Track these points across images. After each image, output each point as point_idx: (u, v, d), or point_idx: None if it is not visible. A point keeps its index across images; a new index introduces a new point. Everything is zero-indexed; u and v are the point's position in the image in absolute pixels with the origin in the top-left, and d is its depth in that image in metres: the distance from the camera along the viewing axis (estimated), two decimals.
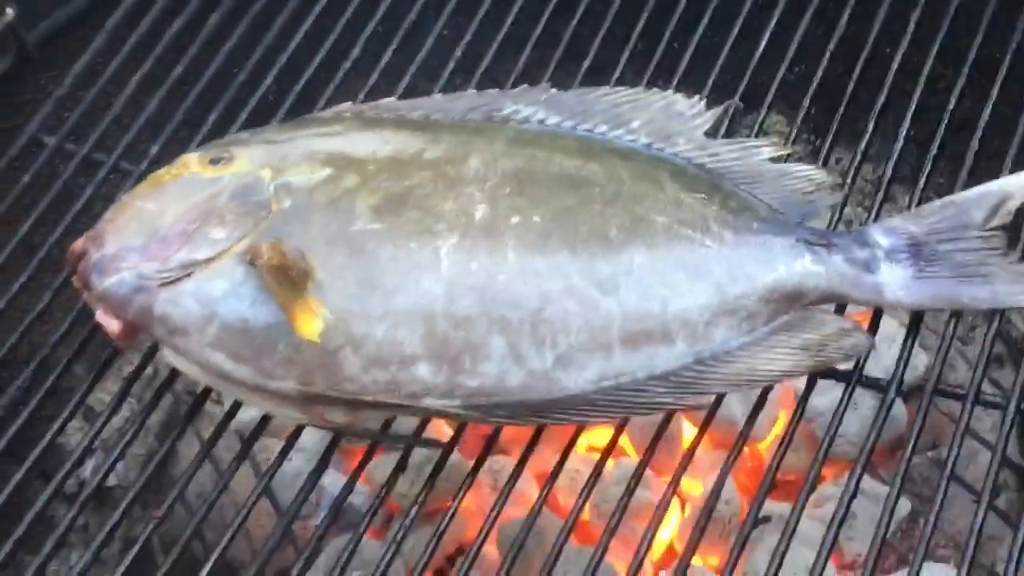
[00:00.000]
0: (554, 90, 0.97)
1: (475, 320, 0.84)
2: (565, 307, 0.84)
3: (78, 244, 0.90)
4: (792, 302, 0.87)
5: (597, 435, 1.12)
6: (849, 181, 0.99)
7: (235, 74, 1.12)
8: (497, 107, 0.96)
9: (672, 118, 0.95)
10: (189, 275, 0.86)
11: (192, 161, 0.92)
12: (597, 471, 0.89)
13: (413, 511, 0.89)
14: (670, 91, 0.97)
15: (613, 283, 0.85)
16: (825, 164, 0.98)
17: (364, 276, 0.85)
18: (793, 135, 1.03)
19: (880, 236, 0.88)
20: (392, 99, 1.00)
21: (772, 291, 0.86)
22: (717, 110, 0.96)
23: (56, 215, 1.05)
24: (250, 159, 0.91)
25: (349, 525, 1.07)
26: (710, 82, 1.06)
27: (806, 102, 1.05)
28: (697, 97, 0.96)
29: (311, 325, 0.82)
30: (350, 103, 1.00)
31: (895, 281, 0.87)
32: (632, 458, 1.16)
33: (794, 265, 0.87)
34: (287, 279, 0.84)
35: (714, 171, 0.92)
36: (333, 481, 1.14)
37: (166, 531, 0.92)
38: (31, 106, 1.13)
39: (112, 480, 1.16)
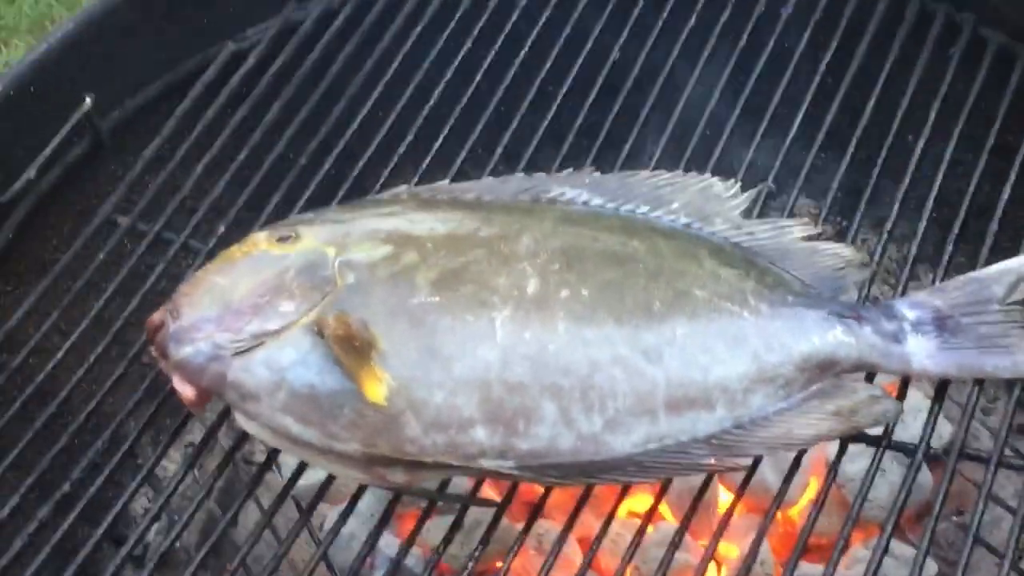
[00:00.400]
0: (597, 173, 1.04)
1: (528, 386, 0.90)
2: (613, 374, 0.90)
3: (156, 316, 0.96)
4: (825, 371, 0.93)
5: (637, 501, 1.18)
6: (876, 258, 1.05)
7: (295, 159, 1.19)
8: (544, 189, 1.03)
9: (709, 200, 1.02)
10: (260, 345, 0.92)
11: (261, 239, 0.98)
12: (639, 534, 0.95)
13: (468, 569, 0.94)
14: (707, 175, 1.04)
15: (657, 352, 0.91)
16: (852, 243, 1.04)
17: (424, 345, 0.91)
18: (822, 216, 1.10)
19: (907, 309, 0.94)
20: (445, 182, 1.07)
21: (806, 360, 0.92)
22: (751, 192, 1.02)
23: (128, 292, 1.12)
24: (315, 237, 0.98)
25: None
26: (743, 168, 1.13)
27: (834, 185, 1.11)
28: (732, 180, 1.03)
29: (377, 391, 0.88)
30: (405, 186, 1.07)
31: (922, 351, 0.93)
32: (671, 522, 1.21)
33: (827, 336, 0.93)
34: (353, 348, 0.90)
35: (749, 249, 0.98)
36: (388, 543, 1.19)
37: None
38: (104, 189, 1.19)
39: (176, 545, 1.21)
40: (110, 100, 1.23)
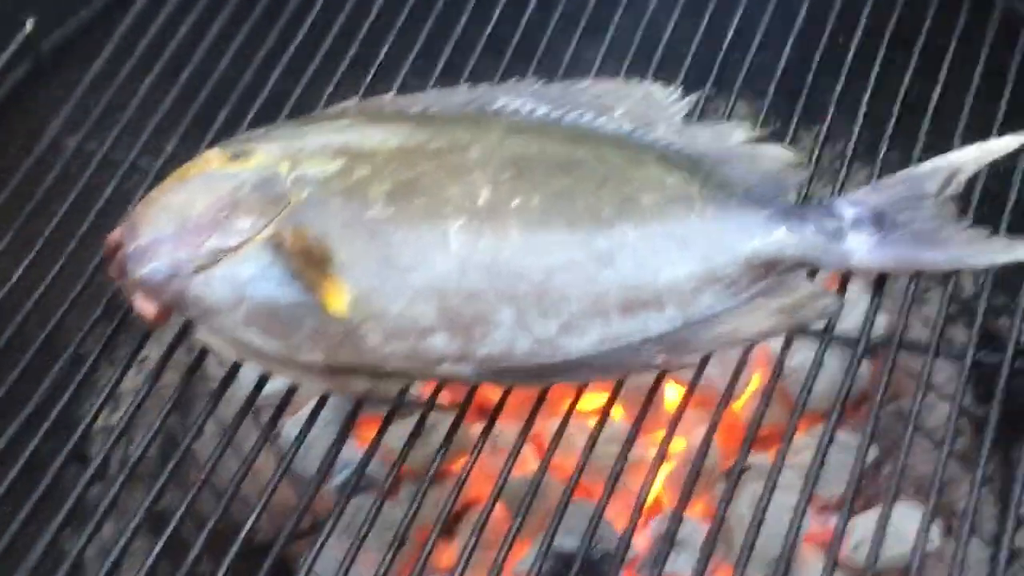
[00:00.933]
0: (540, 83, 1.06)
1: (484, 293, 0.92)
2: (567, 279, 0.93)
3: (114, 235, 0.97)
4: (769, 270, 0.96)
5: (588, 401, 1.21)
6: (814, 159, 1.08)
7: (240, 75, 1.19)
8: (489, 100, 1.05)
9: (651, 106, 1.04)
10: (220, 261, 0.94)
11: (213, 157, 1.00)
12: (593, 432, 0.98)
13: (431, 472, 0.97)
14: (648, 81, 1.07)
15: (609, 256, 0.94)
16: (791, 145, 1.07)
17: (381, 257, 0.93)
18: (760, 120, 1.13)
19: (846, 208, 0.98)
20: (390, 95, 1.08)
21: (751, 259, 0.95)
22: (691, 98, 1.05)
23: (80, 212, 1.13)
24: (267, 153, 0.99)
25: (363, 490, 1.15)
26: (682, 73, 1.15)
27: (770, 89, 1.14)
28: (673, 86, 1.06)
29: (339, 301, 0.91)
30: (354, 99, 1.08)
31: (861, 247, 0.97)
32: (618, 420, 1.25)
33: (771, 236, 0.96)
34: (311, 261, 0.92)
35: (692, 154, 1.01)
36: (348, 450, 1.21)
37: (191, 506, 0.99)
38: (49, 111, 1.19)
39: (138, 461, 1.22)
40: (51, 20, 1.22)
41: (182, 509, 0.97)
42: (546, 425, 1.00)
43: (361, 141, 1.00)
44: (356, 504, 1.11)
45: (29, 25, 1.16)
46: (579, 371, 0.93)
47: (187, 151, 1.12)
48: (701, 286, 0.94)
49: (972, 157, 1.00)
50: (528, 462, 1.05)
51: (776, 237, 0.96)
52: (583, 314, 0.93)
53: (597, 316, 0.93)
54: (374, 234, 0.94)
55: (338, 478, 1.20)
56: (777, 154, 1.01)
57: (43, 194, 1.14)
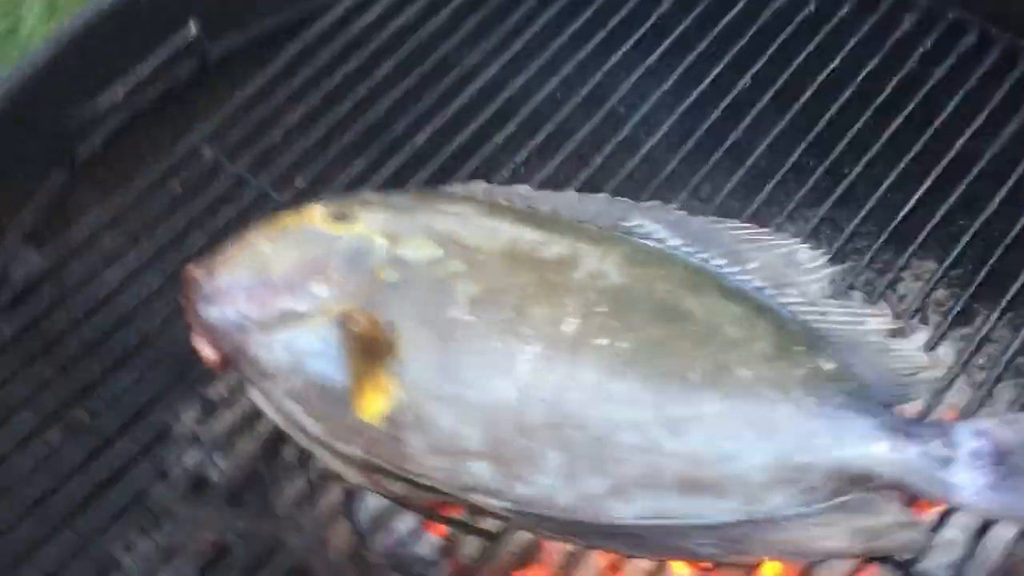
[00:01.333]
0: (683, 212, 0.98)
1: (539, 432, 0.85)
2: (630, 439, 0.85)
3: (193, 270, 0.93)
4: (856, 484, 0.85)
5: None
6: (959, 369, 0.97)
7: (392, 126, 1.15)
8: (624, 217, 0.97)
9: (790, 266, 0.94)
10: (285, 325, 0.89)
11: (317, 214, 0.95)
12: None
13: None
14: (796, 240, 0.97)
15: (680, 426, 0.85)
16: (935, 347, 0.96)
17: (444, 362, 0.86)
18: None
19: (966, 436, 0.86)
20: (526, 187, 1.01)
21: (839, 469, 0.85)
22: (837, 269, 0.95)
23: (197, 228, 1.10)
24: (371, 223, 0.93)
25: None
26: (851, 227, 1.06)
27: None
28: (821, 251, 0.96)
29: (373, 404, 0.85)
30: (483, 183, 1.02)
31: (970, 486, 0.85)
32: None
33: (868, 448, 0.85)
34: (368, 351, 0.87)
35: (816, 330, 0.91)
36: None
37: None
38: (200, 116, 1.17)
39: (214, 475, 1.20)
40: (221, 27, 1.20)
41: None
42: None
43: (469, 232, 0.93)
44: None
45: (193, 28, 1.14)
46: (618, 540, 0.85)
47: (316, 190, 1.09)
48: (773, 484, 0.85)
49: None
50: None
51: (874, 451, 0.85)
52: (636, 481, 0.84)
53: (651, 487, 0.84)
54: (445, 337, 0.87)
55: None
56: (910, 356, 0.91)
57: (168, 201, 1.12)
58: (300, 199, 1.01)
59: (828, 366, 0.88)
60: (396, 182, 1.10)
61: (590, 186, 1.09)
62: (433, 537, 1.07)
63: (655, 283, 0.91)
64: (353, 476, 0.90)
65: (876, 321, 0.92)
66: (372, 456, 0.87)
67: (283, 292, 0.90)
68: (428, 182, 1.10)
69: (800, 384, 0.87)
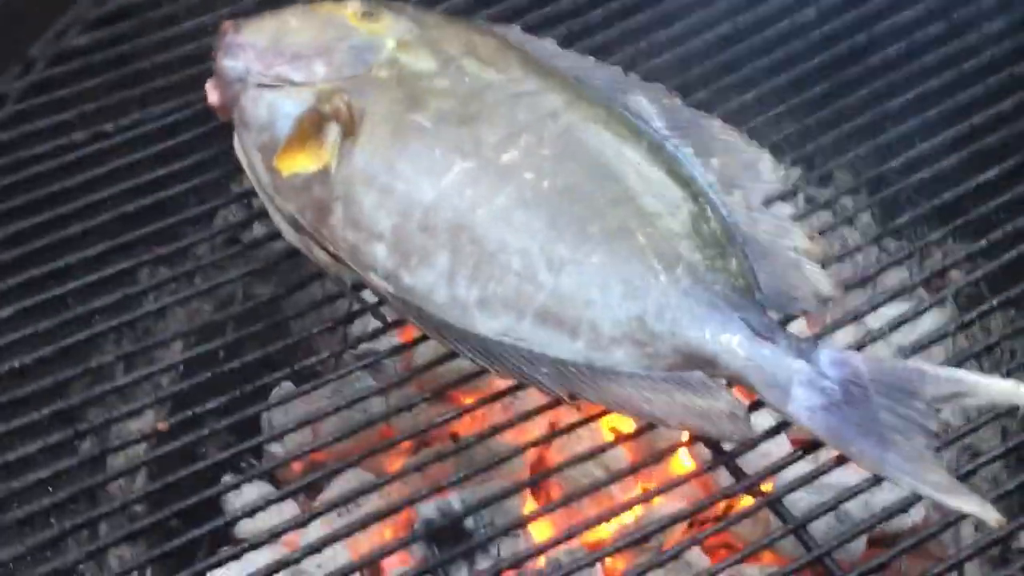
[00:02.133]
0: (679, 101, 1.03)
1: (438, 232, 0.92)
2: (512, 262, 0.91)
3: (226, 24, 1.04)
4: (701, 366, 0.89)
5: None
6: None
7: None
8: (625, 89, 1.03)
9: (748, 170, 0.98)
10: (277, 88, 0.99)
11: (350, 8, 1.03)
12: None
13: None
14: (764, 151, 1.00)
15: (560, 264, 0.90)
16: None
17: (389, 154, 0.94)
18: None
19: (824, 357, 0.88)
20: (552, 42, 1.07)
21: (686, 347, 0.89)
22: (788, 183, 0.98)
23: None
24: (390, 28, 1.02)
25: None
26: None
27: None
28: (783, 166, 1.00)
29: (294, 161, 0.93)
30: (519, 30, 1.08)
31: (805, 403, 0.87)
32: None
33: (720, 336, 0.89)
34: (323, 124, 0.95)
35: (739, 232, 0.94)
36: None
37: None
38: None
39: None
40: None
41: None
42: None
43: (469, 60, 1.00)
44: None
45: None
46: (475, 349, 0.91)
47: None
48: (621, 339, 0.89)
49: (995, 391, 0.87)
50: None
51: (725, 340, 0.89)
52: (504, 300, 0.91)
53: (514, 308, 0.91)
54: (399, 134, 0.95)
55: None
56: (816, 278, 0.93)
57: None
58: None
59: (727, 262, 0.92)
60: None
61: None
62: (393, 338, 1.15)
63: (607, 145, 0.96)
64: (288, 233, 0.99)
65: (800, 239, 0.95)
66: (302, 218, 0.96)
67: (287, 60, 1.00)
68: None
69: (688, 265, 0.91)
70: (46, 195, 1.11)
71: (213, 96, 1.03)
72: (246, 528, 1.08)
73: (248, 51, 1.01)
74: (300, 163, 0.94)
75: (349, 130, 0.96)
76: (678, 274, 0.91)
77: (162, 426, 0.97)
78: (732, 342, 0.89)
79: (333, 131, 0.95)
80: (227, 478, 1.04)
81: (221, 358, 1.05)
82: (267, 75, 0.99)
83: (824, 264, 0.95)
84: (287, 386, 1.16)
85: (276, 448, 1.21)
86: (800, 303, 0.93)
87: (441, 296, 0.92)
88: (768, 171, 0.99)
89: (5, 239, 1.08)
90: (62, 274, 1.07)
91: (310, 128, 0.96)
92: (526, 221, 0.92)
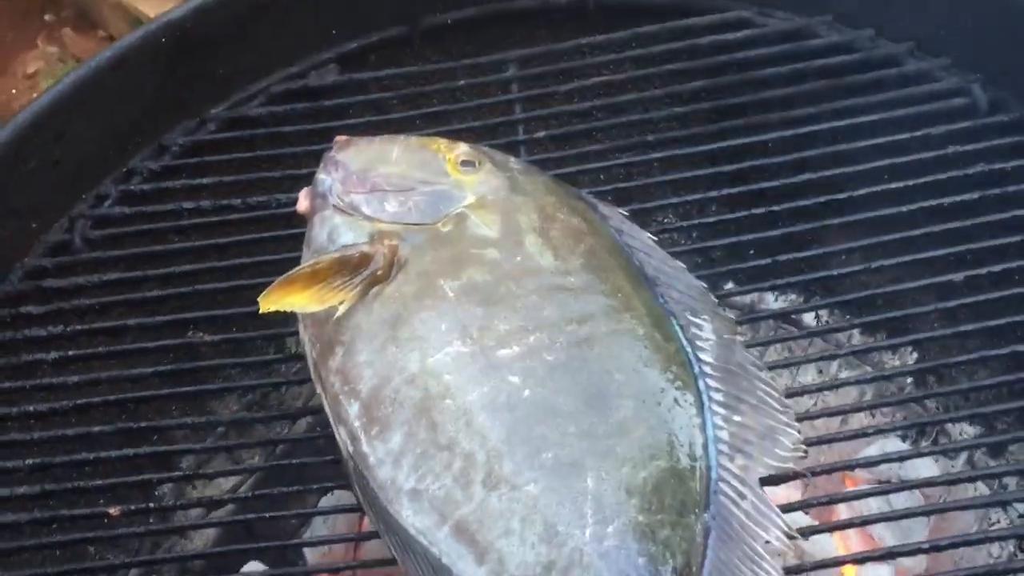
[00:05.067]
0: (740, 339, 0.96)
1: (402, 410, 0.89)
2: (455, 465, 0.87)
3: (339, 139, 1.05)
4: None
5: None
6: None
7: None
8: (694, 310, 0.97)
9: (764, 439, 0.90)
10: (348, 215, 0.99)
11: (453, 154, 1.02)
12: None
13: None
14: (796, 424, 0.90)
15: (496, 483, 0.85)
16: None
17: (399, 314, 0.92)
18: None
19: None
20: (651, 238, 1.02)
21: None
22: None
23: None
24: (481, 183, 1.00)
25: None
26: None
27: None
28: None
29: (280, 301, 0.93)
30: (622, 214, 1.03)
31: None
32: None
33: None
34: (354, 269, 0.95)
35: (717, 505, 0.86)
36: None
37: None
38: None
39: None
40: None
41: None
42: None
43: (534, 237, 0.97)
44: None
45: None
46: (392, 535, 0.87)
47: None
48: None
49: None
50: None
51: None
52: (432, 499, 0.86)
53: (438, 512, 0.86)
54: (420, 296, 0.93)
55: None
56: None
57: None
58: None
59: (673, 533, 0.84)
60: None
61: None
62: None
63: (620, 369, 0.90)
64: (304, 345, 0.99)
65: (774, 533, 0.85)
66: (312, 349, 0.96)
67: (366, 191, 1.00)
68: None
69: (623, 525, 0.83)
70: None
71: (303, 204, 1.04)
72: None
73: (340, 170, 1.02)
74: (283, 301, 0.93)
75: (383, 276, 0.95)
76: (607, 532, 0.84)
77: (114, 512, 1.00)
78: None
79: (364, 274, 0.95)
80: None
81: None
82: (343, 199, 1.00)
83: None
84: None
85: None
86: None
87: (384, 474, 0.89)
88: (787, 447, 0.89)
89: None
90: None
91: (343, 265, 0.95)
92: (485, 426, 0.88)
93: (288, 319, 0.99)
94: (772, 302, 1.34)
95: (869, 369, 1.28)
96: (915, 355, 1.26)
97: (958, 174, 1.12)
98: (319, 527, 1.20)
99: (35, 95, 2.44)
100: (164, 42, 1.18)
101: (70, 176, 1.16)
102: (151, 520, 1.06)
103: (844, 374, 1.29)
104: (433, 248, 0.96)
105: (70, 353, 1.08)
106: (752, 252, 1.14)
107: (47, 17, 2.66)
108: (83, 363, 1.08)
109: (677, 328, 0.95)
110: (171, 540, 1.18)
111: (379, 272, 0.95)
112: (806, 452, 0.90)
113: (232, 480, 1.23)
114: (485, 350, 0.90)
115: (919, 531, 1.16)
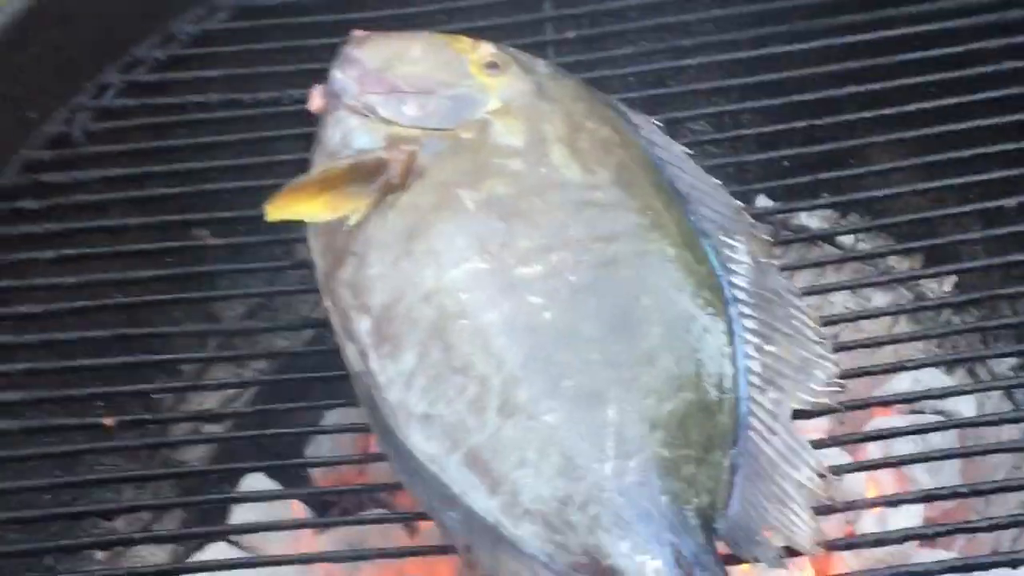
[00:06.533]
0: (776, 263, 0.90)
1: (417, 327, 0.83)
2: (470, 389, 0.81)
3: (354, 34, 0.98)
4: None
5: None
6: None
7: None
8: (729, 230, 0.91)
9: (798, 371, 0.84)
10: (364, 116, 0.93)
11: (477, 55, 0.96)
12: None
13: None
14: (832, 355, 0.85)
15: (512, 411, 0.80)
16: None
17: (416, 225, 0.86)
18: None
19: None
20: (685, 152, 0.95)
21: (597, 551, 0.77)
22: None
23: None
24: (504, 88, 0.94)
25: None
26: None
27: None
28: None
29: (288, 208, 0.87)
30: (658, 127, 0.97)
31: None
32: None
33: (637, 556, 0.76)
34: (368, 175, 0.89)
35: (744, 438, 0.81)
36: None
37: None
38: None
39: None
40: None
41: None
42: None
43: (561, 147, 0.90)
44: None
45: None
46: (400, 460, 0.83)
47: None
48: (535, 515, 0.78)
49: None
50: None
51: (640, 562, 0.76)
52: (444, 425, 0.81)
53: (450, 439, 0.81)
54: (438, 207, 0.87)
55: None
56: (797, 528, 0.78)
57: None
58: None
59: (699, 470, 0.79)
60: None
61: None
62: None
63: (648, 292, 0.85)
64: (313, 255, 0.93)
65: (807, 470, 0.80)
66: (322, 259, 0.91)
67: (384, 91, 0.93)
68: None
69: (646, 460, 0.78)
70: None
71: (315, 102, 0.97)
72: None
73: (356, 68, 0.95)
74: (295, 209, 0.88)
75: (400, 184, 0.89)
76: (628, 467, 0.78)
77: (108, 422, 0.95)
78: (647, 567, 0.76)
79: (378, 181, 0.89)
80: None
81: None
82: (359, 100, 0.93)
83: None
84: None
85: None
86: (759, 550, 0.79)
87: (394, 395, 0.84)
88: (821, 379, 0.84)
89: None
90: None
91: (356, 171, 0.89)
92: (503, 349, 0.82)
93: (297, 225, 0.94)
94: (805, 219, 1.29)
95: (907, 295, 1.22)
96: (954, 283, 1.21)
97: (1014, 92, 1.05)
98: (323, 444, 1.16)
99: None
100: None
101: (72, 63, 1.10)
102: (148, 429, 1.01)
103: (878, 300, 1.24)
104: (453, 156, 0.90)
105: (67, 252, 1.02)
106: (788, 166, 1.08)
107: None
108: (81, 263, 1.03)
109: (709, 249, 0.90)
110: (169, 451, 1.14)
111: (395, 179, 0.89)
112: (843, 386, 0.85)
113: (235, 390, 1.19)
114: (505, 268, 0.84)
115: (949, 468, 1.11)
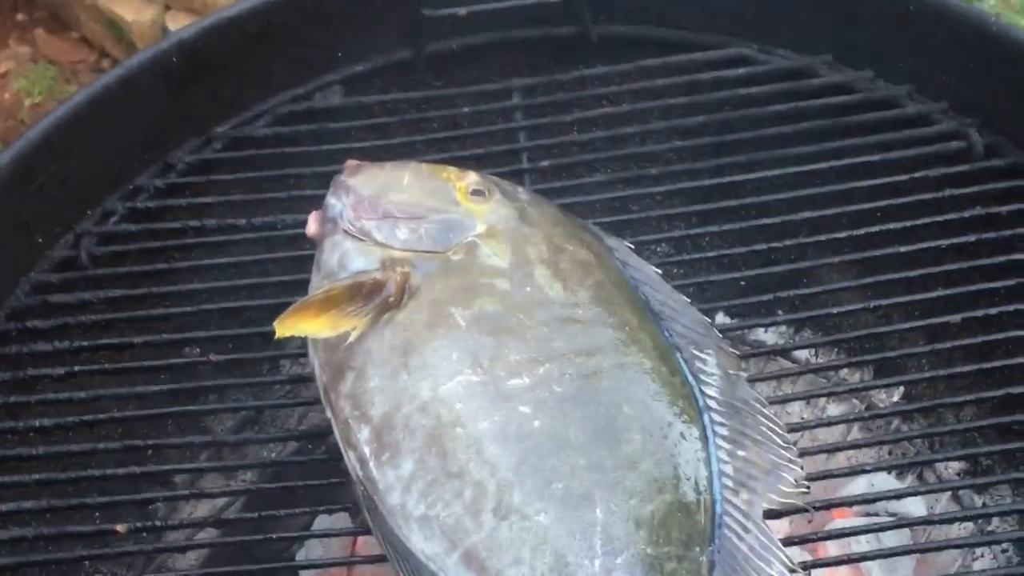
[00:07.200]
0: (745, 375, 0.97)
1: (414, 437, 0.90)
2: (467, 493, 0.88)
3: (349, 163, 1.06)
4: None
5: None
6: None
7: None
8: (699, 345, 0.98)
9: (768, 474, 0.92)
10: (359, 241, 1.00)
11: (463, 184, 1.03)
12: None
13: None
14: (799, 460, 0.92)
15: (507, 512, 0.87)
16: None
17: (411, 341, 0.93)
18: None
19: None
20: (656, 272, 1.03)
21: None
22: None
23: None
24: (491, 212, 1.01)
25: None
26: None
27: None
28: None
29: (295, 326, 0.94)
30: (628, 246, 1.05)
31: None
32: None
33: None
34: (366, 295, 0.95)
35: (722, 538, 0.88)
36: None
37: None
38: None
39: None
40: None
41: None
42: None
43: (544, 268, 0.98)
44: None
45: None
46: (401, 560, 0.88)
47: None
48: None
49: None
50: None
51: None
52: (443, 526, 0.87)
53: (448, 539, 0.87)
54: (431, 325, 0.94)
55: None
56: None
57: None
58: None
59: (680, 566, 0.86)
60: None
61: None
62: None
63: (627, 403, 0.92)
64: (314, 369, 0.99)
65: (777, 567, 0.87)
66: (323, 373, 0.97)
67: (377, 217, 1.01)
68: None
69: (632, 557, 0.85)
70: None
71: (312, 228, 1.04)
72: None
73: (351, 195, 1.02)
74: (298, 327, 0.95)
75: (395, 303, 0.96)
76: (616, 564, 0.85)
77: (120, 529, 1.00)
78: None
79: (376, 301, 0.96)
80: None
81: None
82: (354, 225, 1.01)
83: None
84: None
85: None
86: None
87: (394, 499, 0.90)
88: (790, 482, 0.91)
89: None
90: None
91: (355, 291, 0.96)
92: (496, 456, 0.89)
93: (282, 342, 1.00)
94: (763, 335, 1.37)
95: (858, 405, 1.30)
96: (902, 393, 1.29)
97: (954, 217, 1.14)
98: (314, 549, 1.21)
99: (6, 95, 2.47)
100: (174, 60, 1.19)
101: (77, 192, 1.17)
102: (145, 536, 1.06)
103: (832, 410, 1.32)
104: (444, 276, 0.97)
105: (75, 369, 1.08)
106: (745, 285, 1.16)
107: (19, 17, 2.65)
108: (87, 379, 1.08)
109: (682, 362, 0.97)
110: (165, 557, 1.18)
111: (391, 299, 0.96)
112: (809, 488, 0.92)
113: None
114: (496, 380, 0.92)
115: (906, 564, 1.18)
